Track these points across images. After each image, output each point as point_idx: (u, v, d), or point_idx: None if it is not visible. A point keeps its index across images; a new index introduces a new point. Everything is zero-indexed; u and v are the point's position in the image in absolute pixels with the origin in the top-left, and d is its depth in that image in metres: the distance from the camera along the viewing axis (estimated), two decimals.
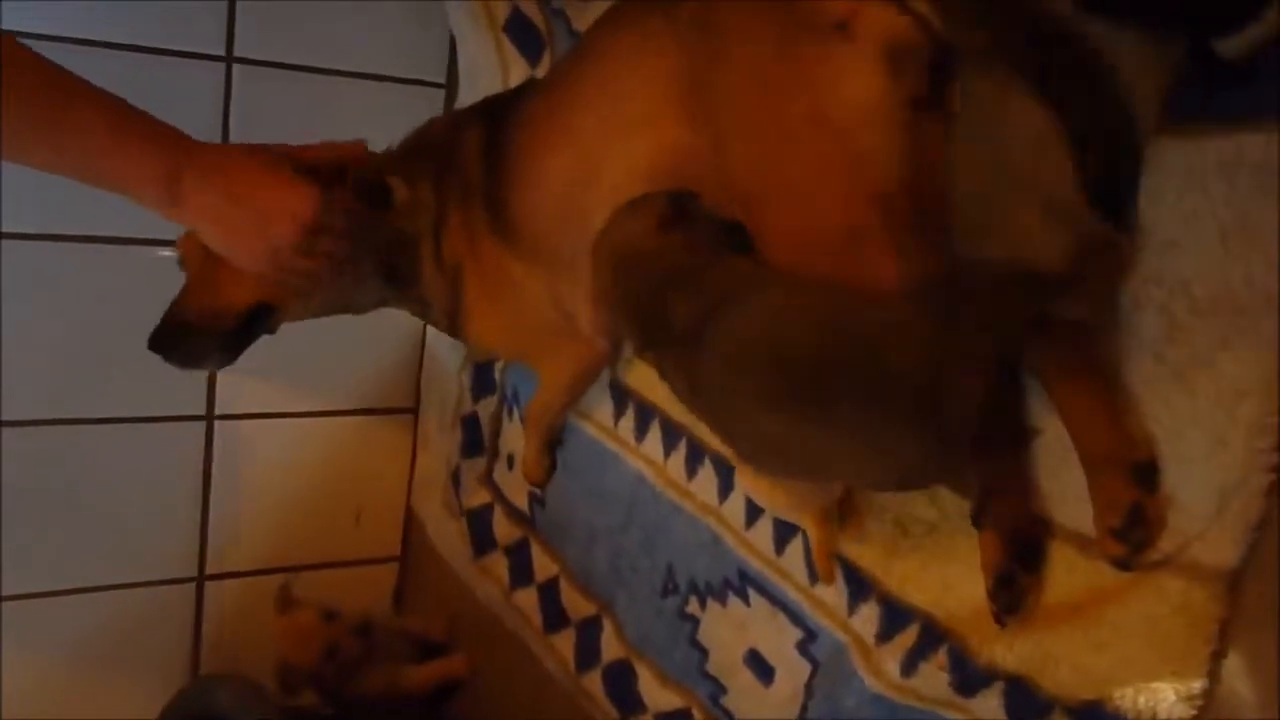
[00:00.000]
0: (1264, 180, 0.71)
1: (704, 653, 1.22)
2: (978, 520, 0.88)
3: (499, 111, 1.21)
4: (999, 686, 0.88)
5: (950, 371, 0.74)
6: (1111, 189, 0.75)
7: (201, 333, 1.19)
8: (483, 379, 1.62)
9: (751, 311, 0.84)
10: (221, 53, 1.52)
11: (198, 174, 1.03)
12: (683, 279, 0.90)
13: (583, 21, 1.28)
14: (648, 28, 1.00)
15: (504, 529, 1.58)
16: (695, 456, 1.22)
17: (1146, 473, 0.78)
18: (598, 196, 1.02)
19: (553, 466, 1.44)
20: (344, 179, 1.14)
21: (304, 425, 1.49)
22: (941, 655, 0.94)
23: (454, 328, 1.29)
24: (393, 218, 1.20)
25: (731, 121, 0.93)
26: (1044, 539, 0.86)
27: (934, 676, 0.94)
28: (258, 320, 1.21)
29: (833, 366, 0.79)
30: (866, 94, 0.85)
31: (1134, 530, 0.78)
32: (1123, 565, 0.80)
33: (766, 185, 0.91)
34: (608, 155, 1.03)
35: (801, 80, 0.87)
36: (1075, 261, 0.79)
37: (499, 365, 1.58)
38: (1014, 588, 0.86)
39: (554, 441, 1.43)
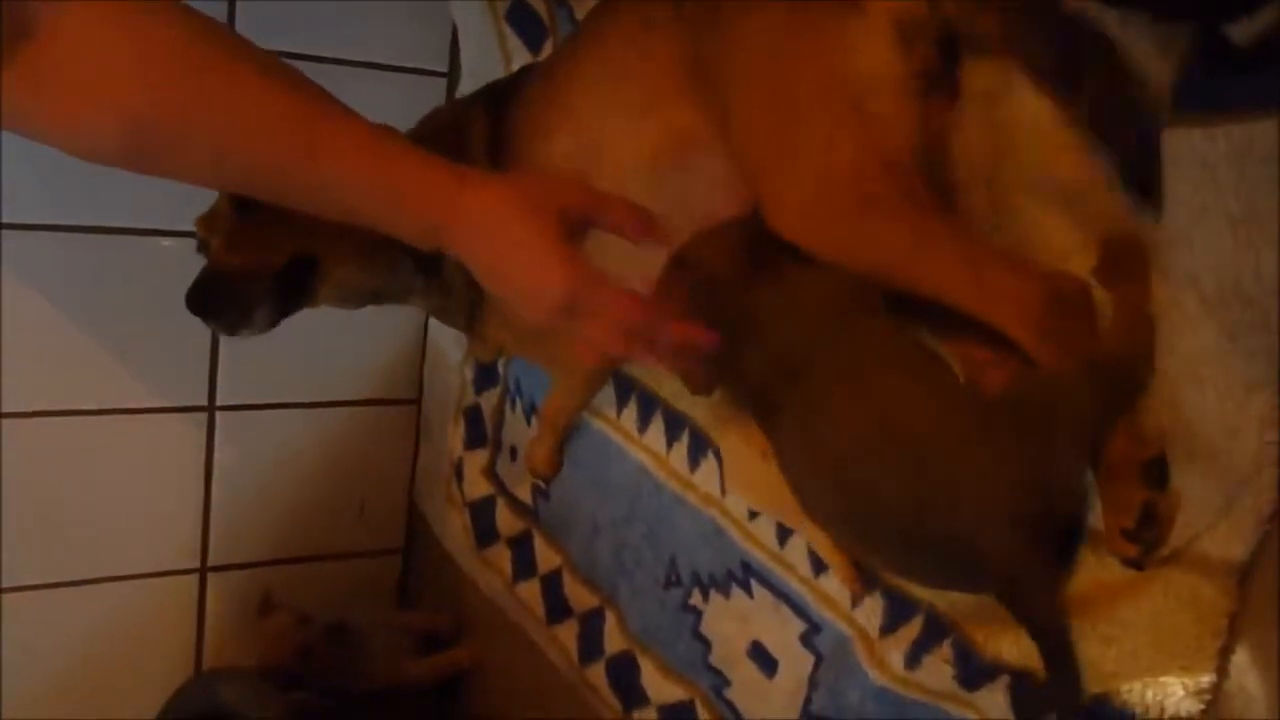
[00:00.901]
0: (1275, 170, 0.69)
1: (707, 645, 1.22)
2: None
3: (501, 97, 1.20)
4: (1004, 680, 0.87)
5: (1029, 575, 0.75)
6: (1145, 173, 0.74)
7: (246, 277, 1.11)
8: (485, 371, 1.62)
9: (827, 412, 0.84)
10: None
11: (459, 237, 0.87)
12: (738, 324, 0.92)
13: (585, 9, 1.27)
14: (649, 11, 1.00)
15: (507, 521, 1.58)
16: (697, 448, 1.21)
17: (1156, 470, 0.76)
18: (599, 178, 1.02)
19: (561, 462, 1.44)
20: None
21: (306, 416, 1.48)
22: (946, 648, 0.93)
23: (471, 323, 1.28)
24: None
25: (740, 94, 0.92)
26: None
27: (938, 669, 0.93)
28: (302, 269, 1.14)
29: (914, 529, 0.78)
30: (878, 64, 0.85)
31: (1146, 530, 0.76)
32: (1135, 565, 0.78)
33: (778, 155, 0.91)
34: (608, 137, 1.03)
35: (812, 50, 0.88)
36: (1100, 267, 0.79)
37: (501, 359, 1.57)
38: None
39: (566, 440, 1.43)
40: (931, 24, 0.84)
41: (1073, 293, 0.79)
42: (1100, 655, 0.80)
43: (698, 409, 1.21)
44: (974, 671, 0.90)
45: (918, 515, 0.77)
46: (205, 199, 1.53)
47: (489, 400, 1.61)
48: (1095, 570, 0.82)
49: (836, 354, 0.87)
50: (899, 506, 0.78)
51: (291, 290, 1.15)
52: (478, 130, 1.19)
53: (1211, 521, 0.74)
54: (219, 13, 1.50)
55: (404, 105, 1.64)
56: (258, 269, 1.11)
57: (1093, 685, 0.80)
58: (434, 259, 1.18)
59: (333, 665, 1.60)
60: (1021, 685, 0.86)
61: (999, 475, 0.75)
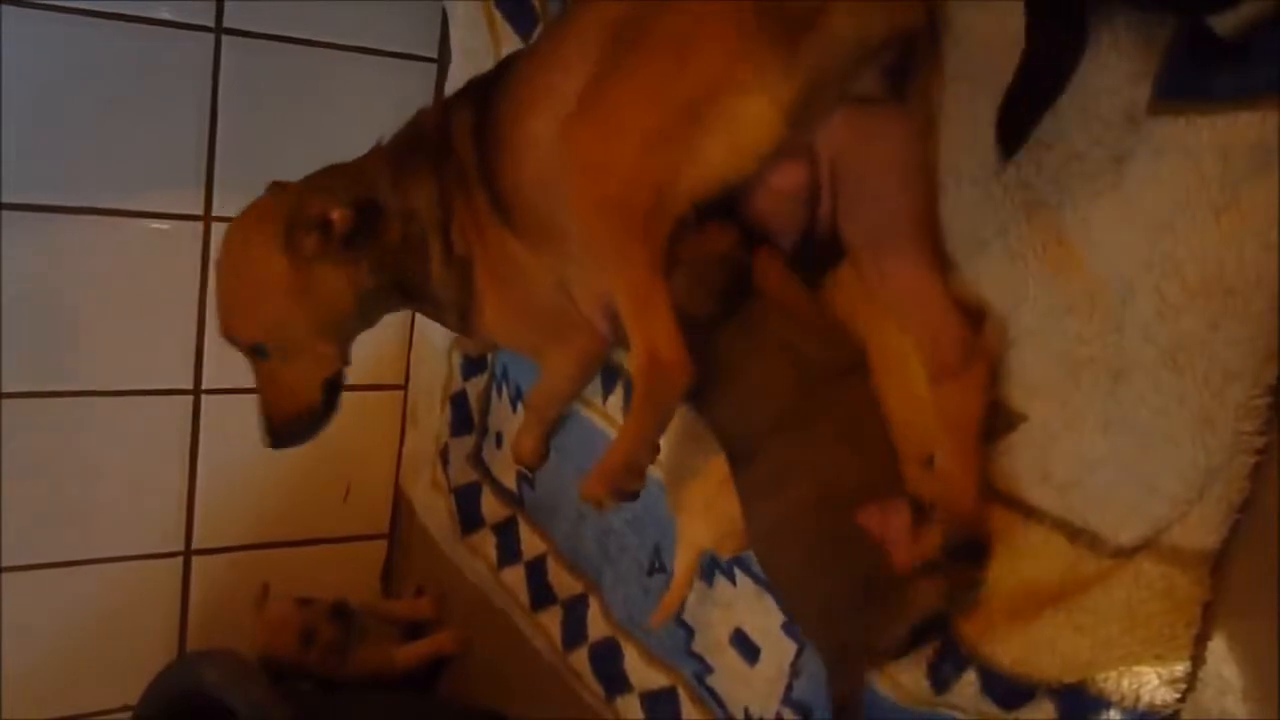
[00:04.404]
0: (1258, 160, 0.70)
1: (690, 631, 1.22)
2: None
3: (485, 89, 1.19)
4: (980, 669, 0.88)
5: None
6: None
7: (308, 415, 1.24)
8: (472, 357, 1.62)
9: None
10: (211, 24, 1.51)
11: None
12: None
13: None
14: None
15: (492, 507, 1.58)
16: None
17: (964, 551, 0.86)
18: None
19: (547, 452, 1.43)
20: None
21: None
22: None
23: (466, 324, 1.27)
24: (386, 233, 1.18)
25: (628, 56, 0.92)
26: (986, 539, 0.87)
27: (918, 660, 0.94)
28: (336, 388, 1.25)
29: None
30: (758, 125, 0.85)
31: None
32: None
33: (602, 119, 0.92)
34: None
35: (715, 63, 0.86)
36: None
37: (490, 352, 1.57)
38: (942, 578, 0.87)
39: (553, 430, 1.42)
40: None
41: (667, 364, 0.89)
42: (1074, 645, 0.80)
43: None
44: (952, 660, 0.90)
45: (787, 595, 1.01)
46: (193, 178, 1.54)
47: (475, 387, 1.61)
48: (1067, 560, 0.82)
49: (798, 433, 0.95)
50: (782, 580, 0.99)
51: (334, 401, 1.26)
52: (462, 125, 1.18)
53: (1183, 510, 0.74)
54: (209, 1, 1.49)
55: (394, 90, 1.65)
56: (310, 402, 1.23)
57: (1068, 674, 0.81)
58: (412, 276, 1.20)
59: (335, 646, 1.59)
60: None
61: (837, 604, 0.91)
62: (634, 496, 0.95)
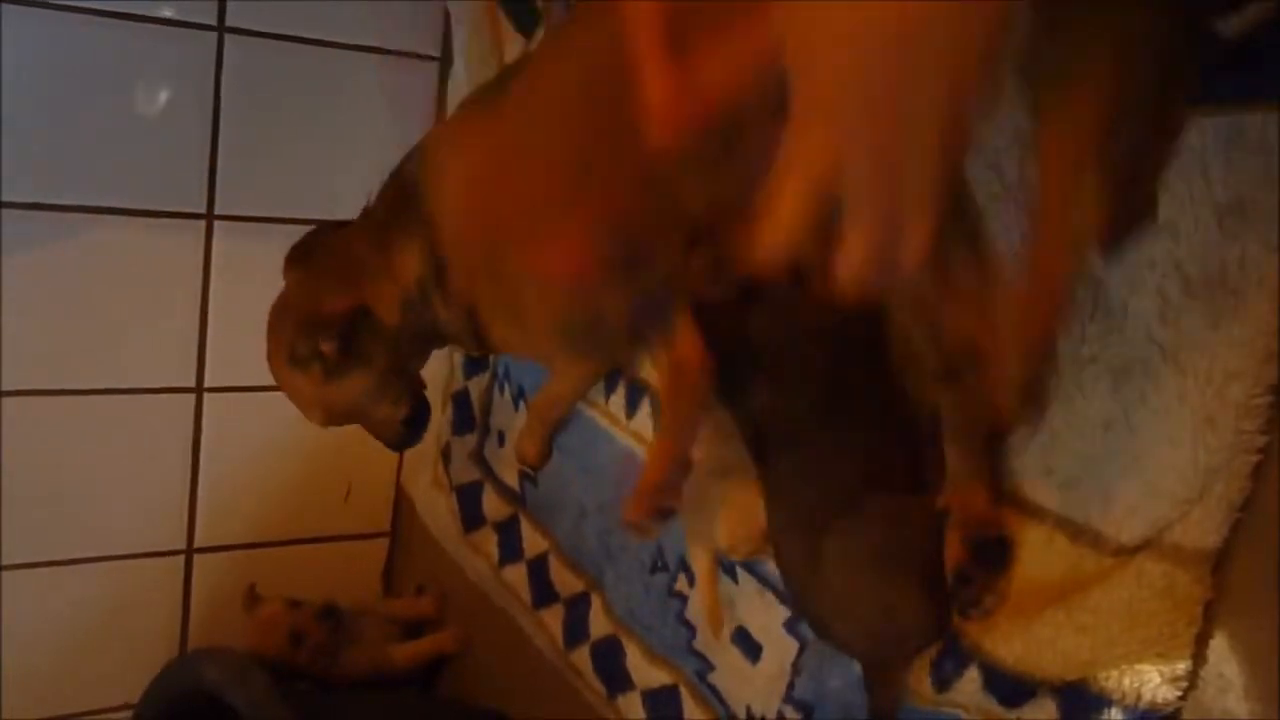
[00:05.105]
0: (1262, 161, 0.70)
1: (692, 630, 1.22)
2: None
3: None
4: (982, 667, 0.88)
5: None
6: None
7: (406, 434, 1.30)
8: (474, 356, 1.62)
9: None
10: (213, 22, 1.51)
11: None
12: None
13: None
14: None
15: (494, 505, 1.58)
16: None
17: (987, 552, 0.87)
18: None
19: (550, 452, 1.44)
20: None
21: None
22: None
23: (479, 344, 1.28)
24: (385, 325, 1.20)
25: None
26: (1007, 539, 0.87)
27: (920, 658, 0.94)
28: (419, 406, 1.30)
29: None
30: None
31: (963, 589, 0.87)
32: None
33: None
34: None
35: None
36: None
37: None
38: (972, 586, 0.87)
39: (556, 430, 1.43)
40: None
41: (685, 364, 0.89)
42: (1076, 643, 0.80)
43: None
44: (954, 659, 0.91)
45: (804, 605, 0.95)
46: (195, 176, 1.53)
47: (477, 385, 1.61)
48: (1068, 559, 0.83)
49: (827, 433, 0.92)
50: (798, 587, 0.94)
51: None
52: None
53: (1185, 510, 0.74)
54: None
55: (395, 89, 1.65)
56: (415, 402, 1.29)
57: (1069, 673, 0.81)
58: (423, 333, 1.24)
59: (324, 648, 1.60)
60: None
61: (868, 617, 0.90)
62: (673, 514, 0.95)
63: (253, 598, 1.64)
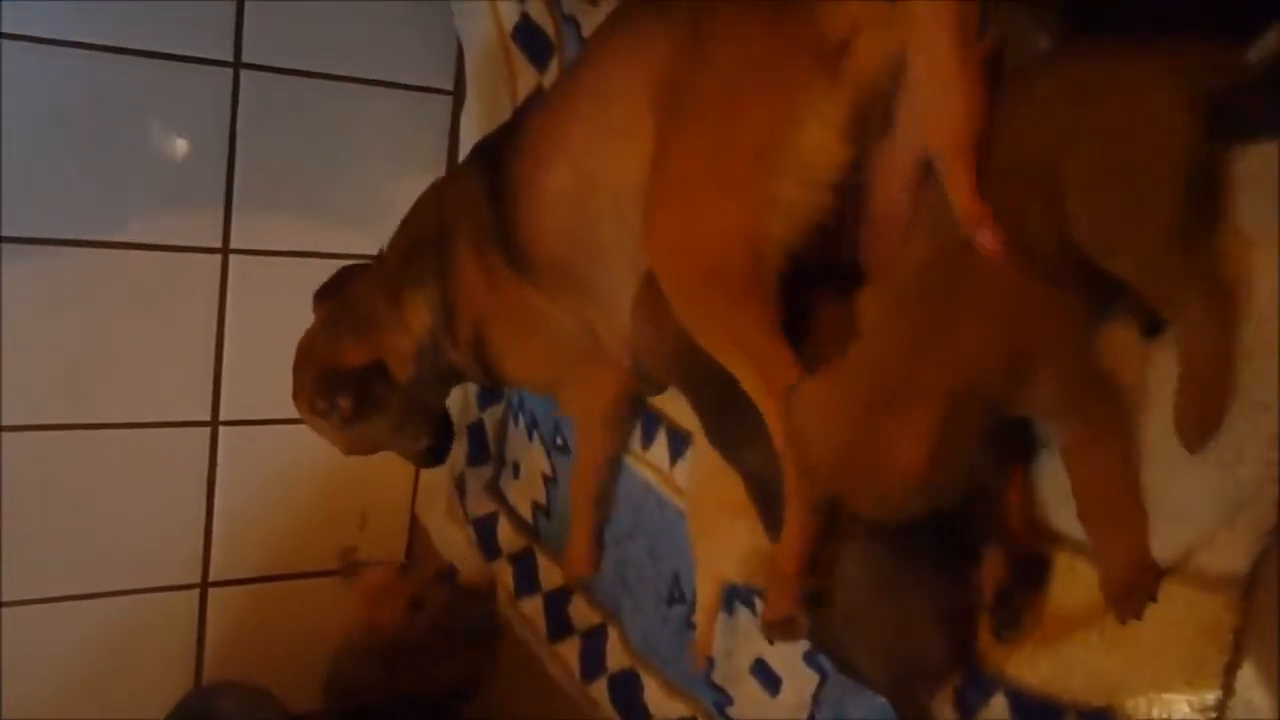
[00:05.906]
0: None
1: (710, 662, 1.22)
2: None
3: (495, 147, 1.18)
4: (1009, 693, 0.87)
5: None
6: None
7: (430, 456, 1.38)
8: (488, 387, 1.62)
9: None
10: (229, 58, 1.53)
11: None
12: None
13: (593, 25, 1.28)
14: (641, 28, 0.97)
15: (509, 537, 1.58)
16: None
17: (1026, 570, 0.86)
18: (598, 208, 1.01)
19: (602, 553, 1.36)
20: None
21: (309, 431, 1.48)
22: None
23: (491, 378, 1.28)
24: (399, 378, 1.25)
25: (682, 121, 0.90)
26: (1046, 557, 0.86)
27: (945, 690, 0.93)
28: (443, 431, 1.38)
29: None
30: (817, 150, 0.85)
31: (1001, 610, 0.86)
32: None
33: (676, 191, 0.91)
34: (600, 164, 1.00)
35: (764, 109, 0.86)
36: None
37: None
38: (1010, 605, 0.86)
39: (604, 524, 1.35)
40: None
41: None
42: (1104, 666, 0.80)
43: None
44: (979, 684, 0.90)
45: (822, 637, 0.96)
46: (209, 210, 1.54)
47: (492, 416, 1.61)
48: (1091, 587, 0.81)
49: None
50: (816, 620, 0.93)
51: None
52: (476, 187, 1.18)
53: (1209, 536, 0.74)
54: (227, 32, 1.51)
55: (409, 123, 1.67)
56: (441, 425, 1.37)
57: (1097, 697, 0.80)
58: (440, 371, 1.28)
59: (446, 612, 1.51)
60: None
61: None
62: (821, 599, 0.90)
63: (352, 566, 1.57)
